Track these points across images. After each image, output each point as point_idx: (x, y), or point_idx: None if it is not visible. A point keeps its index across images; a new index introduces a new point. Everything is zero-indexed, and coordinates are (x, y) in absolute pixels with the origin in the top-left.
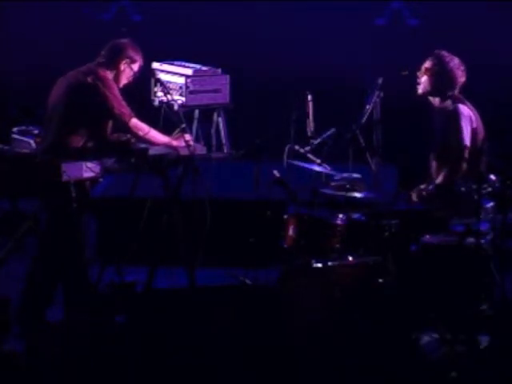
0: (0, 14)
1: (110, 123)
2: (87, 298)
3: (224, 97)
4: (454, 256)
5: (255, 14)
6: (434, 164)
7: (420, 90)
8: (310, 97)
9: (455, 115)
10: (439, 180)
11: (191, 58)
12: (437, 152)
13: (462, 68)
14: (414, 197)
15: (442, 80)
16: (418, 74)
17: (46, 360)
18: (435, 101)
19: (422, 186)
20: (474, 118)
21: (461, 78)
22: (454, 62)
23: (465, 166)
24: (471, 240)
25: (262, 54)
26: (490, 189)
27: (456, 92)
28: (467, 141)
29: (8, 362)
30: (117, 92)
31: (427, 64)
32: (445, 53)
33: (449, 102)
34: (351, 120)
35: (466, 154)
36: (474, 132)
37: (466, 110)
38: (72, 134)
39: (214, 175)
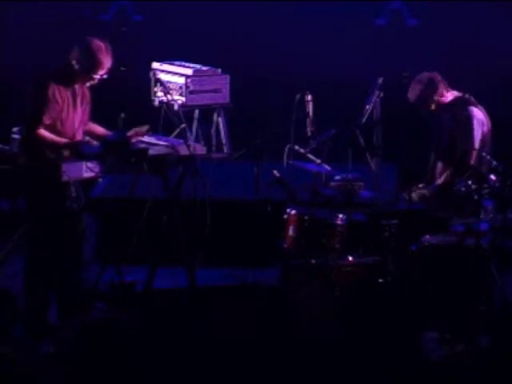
0: (0, 14)
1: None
2: (81, 298)
3: (224, 97)
4: (454, 256)
5: (255, 15)
6: (439, 165)
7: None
8: (309, 97)
9: (468, 118)
10: (442, 180)
11: (191, 58)
12: (444, 153)
13: (435, 80)
14: (415, 197)
15: (429, 104)
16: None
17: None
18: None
19: (421, 186)
20: (485, 121)
21: (442, 88)
22: (422, 79)
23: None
24: (471, 240)
25: (262, 54)
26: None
27: (454, 91)
28: (477, 144)
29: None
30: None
31: (411, 96)
32: (419, 78)
33: (459, 104)
34: (351, 120)
35: (474, 157)
36: (483, 135)
37: (478, 114)
38: None
39: (214, 175)
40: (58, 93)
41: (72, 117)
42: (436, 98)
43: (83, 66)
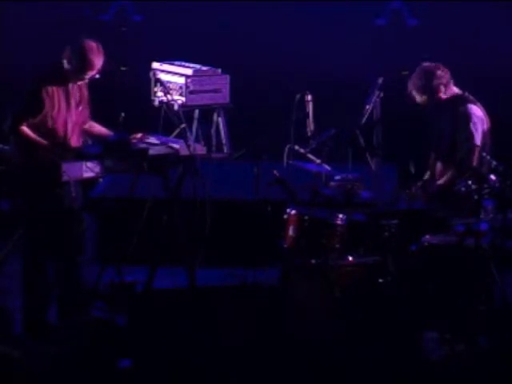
0: (0, 14)
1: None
2: (81, 298)
3: (224, 97)
4: (454, 256)
5: (255, 15)
6: (438, 165)
7: (421, 104)
8: (309, 97)
9: (467, 116)
10: (444, 180)
11: (191, 58)
12: (444, 152)
13: (441, 69)
14: (413, 199)
15: (434, 94)
16: (409, 91)
17: (45, 361)
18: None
19: (420, 183)
20: (485, 119)
21: (447, 79)
22: (436, 70)
23: (474, 164)
24: (471, 240)
25: (262, 54)
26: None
27: (454, 88)
28: (478, 141)
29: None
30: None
31: (414, 85)
32: (425, 66)
33: (459, 102)
34: (351, 120)
35: (477, 154)
36: (484, 133)
37: (478, 111)
38: None
39: (214, 175)
40: (49, 92)
41: (64, 116)
42: (442, 84)
43: (74, 65)
